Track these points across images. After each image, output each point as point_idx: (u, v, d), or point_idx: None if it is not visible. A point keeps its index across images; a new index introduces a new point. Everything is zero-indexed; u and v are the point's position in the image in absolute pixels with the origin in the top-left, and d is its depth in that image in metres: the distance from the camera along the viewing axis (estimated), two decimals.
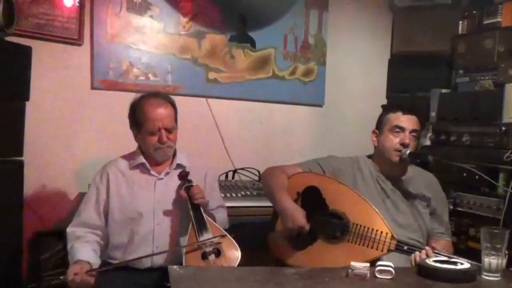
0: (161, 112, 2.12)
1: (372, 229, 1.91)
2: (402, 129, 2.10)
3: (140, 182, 2.17)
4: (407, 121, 2.11)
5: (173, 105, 2.20)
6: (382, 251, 1.89)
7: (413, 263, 1.83)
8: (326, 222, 2.00)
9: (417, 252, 1.84)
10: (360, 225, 1.94)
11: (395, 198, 2.12)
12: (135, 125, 2.18)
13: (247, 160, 3.33)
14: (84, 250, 2.03)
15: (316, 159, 2.23)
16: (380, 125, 2.19)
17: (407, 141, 2.08)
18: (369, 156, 2.25)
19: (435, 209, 2.16)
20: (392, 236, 1.89)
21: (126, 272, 2.07)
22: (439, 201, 2.19)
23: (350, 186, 2.07)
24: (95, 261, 2.02)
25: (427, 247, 1.86)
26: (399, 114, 2.12)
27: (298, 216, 1.94)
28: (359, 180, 2.15)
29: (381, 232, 1.90)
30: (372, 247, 1.90)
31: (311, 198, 2.04)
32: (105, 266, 2.05)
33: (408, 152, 2.09)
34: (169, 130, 2.14)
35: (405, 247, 1.88)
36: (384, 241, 1.89)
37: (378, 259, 1.90)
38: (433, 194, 2.17)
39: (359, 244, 1.92)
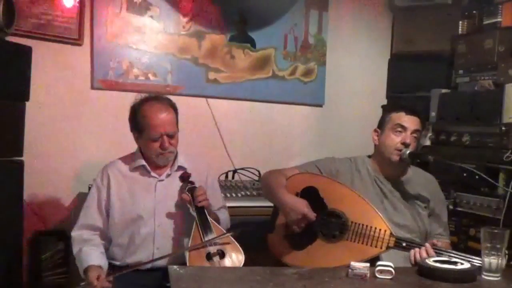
0: (162, 118, 2.09)
1: (371, 227, 1.92)
2: (404, 128, 2.10)
3: (140, 184, 2.17)
4: (410, 121, 2.11)
5: (174, 108, 2.17)
6: (381, 248, 1.89)
7: (412, 259, 1.83)
8: (325, 221, 2.01)
9: (416, 249, 1.84)
10: (359, 223, 1.94)
11: (393, 199, 2.12)
12: (136, 129, 2.16)
13: (247, 160, 3.33)
14: (95, 255, 2.04)
15: (314, 161, 2.23)
16: (382, 124, 2.19)
17: (408, 140, 2.08)
18: (369, 156, 2.25)
19: (434, 210, 2.16)
20: (391, 233, 1.90)
21: (126, 272, 2.07)
22: (437, 202, 2.18)
23: (348, 186, 2.08)
24: (105, 265, 2.04)
25: (427, 244, 1.86)
26: (402, 114, 2.12)
27: (300, 206, 1.95)
28: (357, 181, 2.15)
29: (380, 230, 1.91)
30: (371, 245, 1.90)
31: (309, 198, 2.04)
32: (112, 268, 2.07)
33: (408, 152, 2.09)
34: (171, 136, 2.12)
35: (404, 244, 1.88)
36: (383, 238, 1.89)
37: (378, 257, 1.92)
38: (431, 195, 2.16)
39: (358, 242, 1.93)
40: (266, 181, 2.18)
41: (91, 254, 2.04)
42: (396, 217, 2.06)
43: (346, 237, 1.95)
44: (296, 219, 1.95)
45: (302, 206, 1.95)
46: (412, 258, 1.84)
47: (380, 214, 1.95)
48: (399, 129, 2.10)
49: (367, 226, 1.93)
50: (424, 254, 1.82)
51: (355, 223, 1.95)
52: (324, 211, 2.02)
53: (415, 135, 2.11)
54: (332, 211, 2.01)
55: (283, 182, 2.10)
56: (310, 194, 2.06)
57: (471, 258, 1.77)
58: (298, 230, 1.98)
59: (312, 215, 1.95)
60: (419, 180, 2.19)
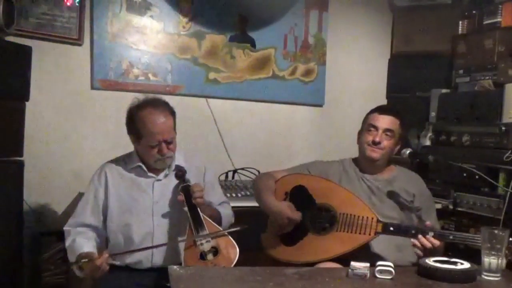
0: (161, 125, 2.07)
1: (359, 216, 1.99)
2: (375, 128, 2.19)
3: (138, 183, 2.16)
4: (381, 120, 2.19)
5: (172, 113, 2.15)
6: (369, 234, 1.96)
7: (418, 245, 1.85)
8: (315, 216, 2.08)
9: (420, 236, 1.86)
10: (347, 214, 2.02)
11: (380, 194, 2.17)
12: (133, 134, 2.14)
13: (247, 160, 3.33)
14: (88, 244, 2.03)
15: (304, 164, 2.32)
16: (362, 125, 2.28)
17: (377, 139, 2.16)
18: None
19: (421, 206, 2.18)
20: (378, 219, 1.97)
21: (126, 272, 2.07)
22: (424, 198, 2.22)
23: (334, 181, 2.17)
24: None
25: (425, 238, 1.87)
26: (376, 114, 2.23)
27: (284, 209, 2.04)
28: (344, 180, 2.21)
29: (367, 218, 1.98)
30: (360, 233, 1.97)
31: (298, 196, 2.14)
32: (111, 268, 2.02)
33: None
34: (169, 142, 2.11)
35: (391, 228, 1.94)
36: (371, 225, 1.96)
37: (369, 247, 2.00)
38: (417, 191, 2.21)
39: (347, 232, 2.00)
40: (256, 184, 2.28)
41: (86, 244, 2.02)
42: (385, 211, 2.10)
43: (336, 228, 2.03)
44: (283, 223, 2.05)
45: (286, 210, 2.04)
46: (418, 244, 1.86)
47: (367, 204, 2.04)
48: (371, 128, 2.20)
49: (355, 215, 2.00)
50: (428, 243, 1.84)
51: (343, 214, 2.03)
52: (314, 206, 2.10)
53: (387, 133, 2.18)
54: (321, 205, 2.09)
55: (271, 185, 2.19)
56: (299, 192, 2.15)
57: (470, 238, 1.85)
58: (288, 230, 2.07)
59: (297, 216, 2.04)
60: (405, 178, 2.25)
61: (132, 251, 2.05)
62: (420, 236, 1.86)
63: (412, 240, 1.88)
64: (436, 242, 1.85)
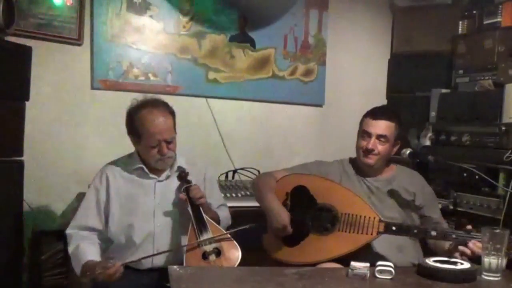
0: (160, 125, 2.07)
1: (360, 216, 1.99)
2: (368, 134, 2.17)
3: (139, 185, 2.16)
4: (374, 126, 2.16)
5: (171, 112, 2.15)
6: (372, 234, 1.96)
7: (468, 252, 1.82)
8: (316, 216, 2.08)
9: (473, 241, 1.82)
10: (349, 214, 2.02)
11: (380, 194, 2.17)
12: (133, 134, 2.14)
13: (247, 160, 3.33)
14: (92, 251, 2.03)
15: (304, 164, 2.31)
16: (359, 127, 2.26)
17: (369, 146, 2.15)
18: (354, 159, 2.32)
19: (424, 202, 2.19)
20: (380, 219, 1.97)
21: (126, 273, 2.06)
22: (425, 194, 2.22)
23: (335, 181, 2.16)
24: None
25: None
26: (369, 119, 2.19)
27: (282, 216, 2.04)
28: (344, 180, 2.21)
29: (369, 217, 1.98)
30: (362, 233, 1.97)
31: (300, 196, 2.14)
32: None
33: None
34: (169, 142, 2.11)
35: (394, 228, 1.94)
36: (373, 225, 1.96)
37: (371, 247, 2.00)
38: (418, 189, 2.20)
39: (349, 232, 2.00)
40: (257, 184, 2.26)
41: (90, 250, 2.02)
42: (385, 211, 2.10)
43: (338, 228, 2.02)
44: (277, 228, 2.04)
45: (284, 218, 2.03)
46: (468, 252, 1.82)
47: (368, 204, 2.03)
48: (364, 134, 2.18)
49: (356, 215, 2.00)
50: (476, 248, 1.81)
51: (345, 214, 2.02)
52: (315, 206, 2.10)
53: (381, 139, 2.16)
54: (322, 205, 2.09)
55: (272, 185, 2.19)
56: (300, 192, 2.15)
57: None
58: (281, 236, 2.07)
59: (289, 229, 2.03)
60: (405, 177, 2.24)
61: (147, 257, 2.05)
62: (470, 244, 1.81)
63: (461, 248, 1.82)
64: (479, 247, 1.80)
